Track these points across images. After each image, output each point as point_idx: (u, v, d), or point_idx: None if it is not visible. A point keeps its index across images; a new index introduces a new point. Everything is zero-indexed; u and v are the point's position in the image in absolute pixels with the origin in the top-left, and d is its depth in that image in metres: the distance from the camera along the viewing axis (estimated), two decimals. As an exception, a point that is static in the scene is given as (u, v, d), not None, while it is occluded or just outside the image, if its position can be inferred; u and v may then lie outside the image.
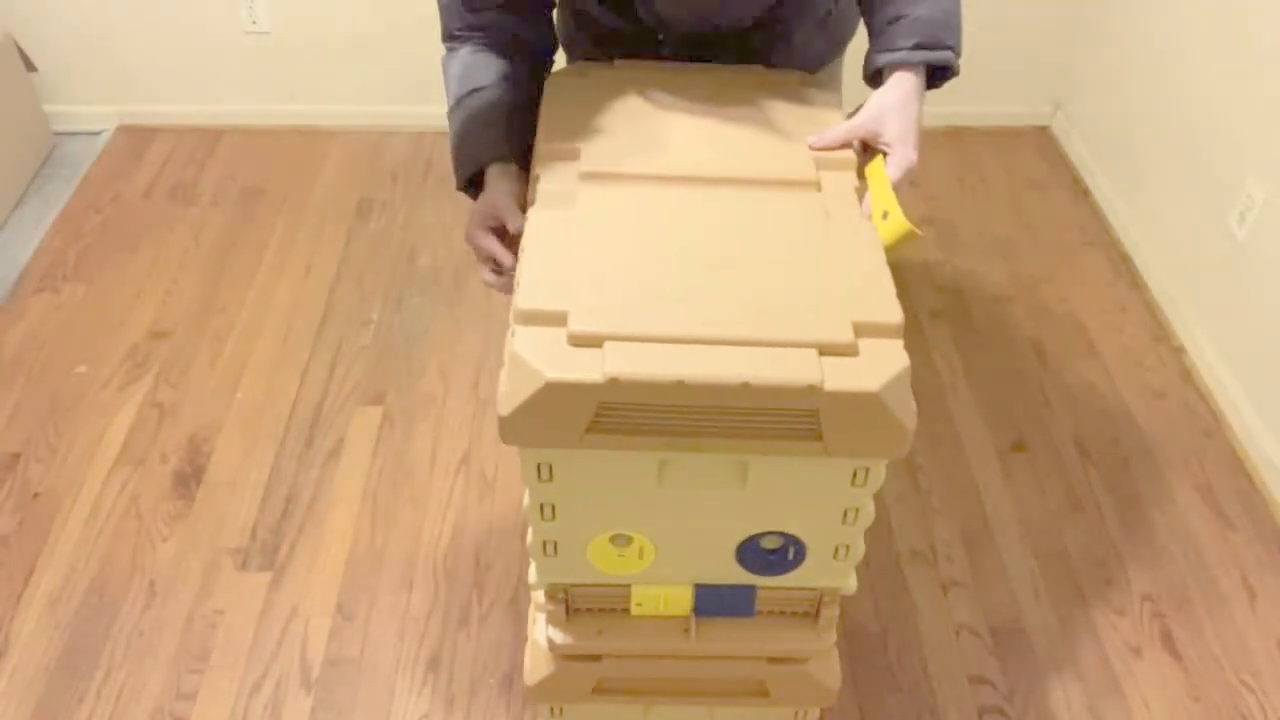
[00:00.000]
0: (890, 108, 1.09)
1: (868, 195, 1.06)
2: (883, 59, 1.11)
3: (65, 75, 2.70)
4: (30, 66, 2.65)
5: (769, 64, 1.29)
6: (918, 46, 1.10)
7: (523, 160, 1.17)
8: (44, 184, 2.59)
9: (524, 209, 1.09)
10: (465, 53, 1.20)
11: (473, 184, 1.19)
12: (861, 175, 1.10)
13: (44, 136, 2.68)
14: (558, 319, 0.89)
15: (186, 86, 2.73)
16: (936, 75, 1.13)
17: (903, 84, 1.10)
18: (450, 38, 1.22)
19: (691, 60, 1.27)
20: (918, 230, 1.01)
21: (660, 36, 1.27)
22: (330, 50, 2.68)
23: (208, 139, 2.74)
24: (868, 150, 1.12)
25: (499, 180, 1.15)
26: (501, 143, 1.16)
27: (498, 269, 1.14)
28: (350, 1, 2.60)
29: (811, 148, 1.12)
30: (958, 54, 1.12)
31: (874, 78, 1.14)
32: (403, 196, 2.58)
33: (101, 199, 2.53)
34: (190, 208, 2.51)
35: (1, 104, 2.50)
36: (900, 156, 1.07)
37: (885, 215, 1.03)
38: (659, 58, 1.28)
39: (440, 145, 2.73)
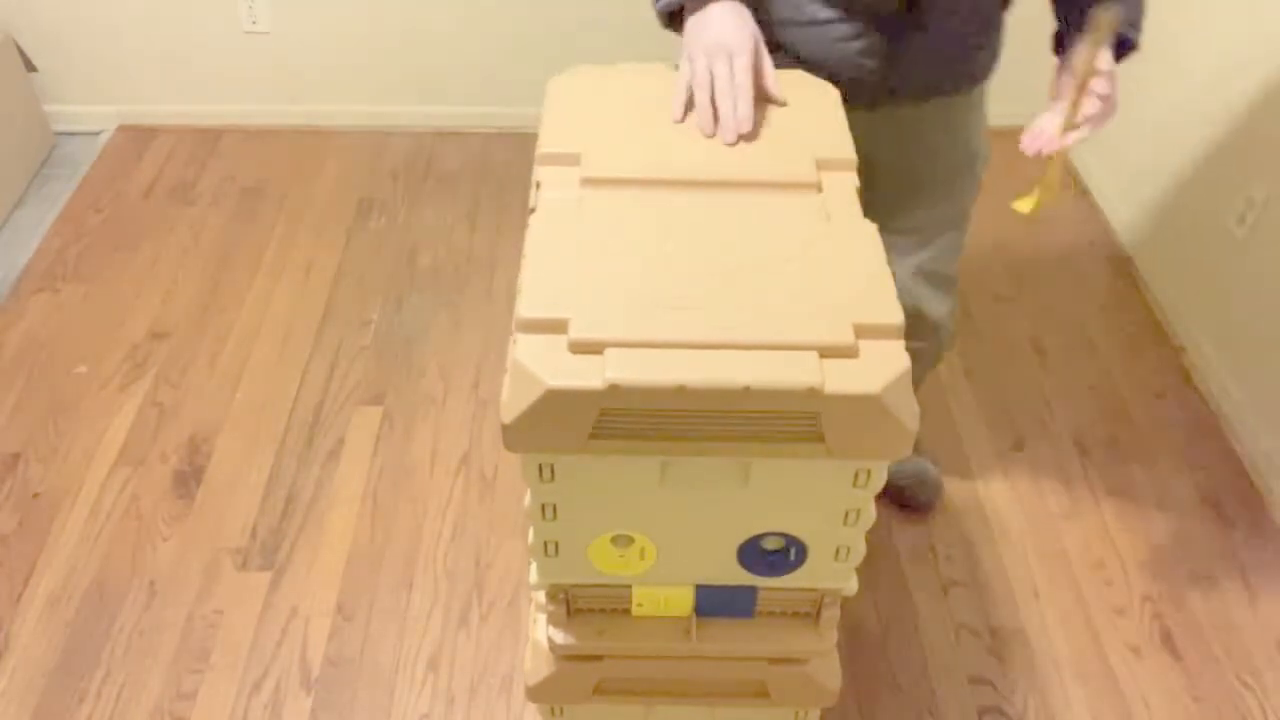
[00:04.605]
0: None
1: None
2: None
3: (65, 75, 2.70)
4: (30, 66, 2.65)
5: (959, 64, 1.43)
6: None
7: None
8: (44, 184, 2.59)
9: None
10: None
11: (672, 19, 1.19)
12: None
13: (44, 136, 2.68)
14: (559, 326, 0.89)
15: (186, 86, 2.73)
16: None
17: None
18: None
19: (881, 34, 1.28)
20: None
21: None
22: (330, 50, 2.68)
23: (208, 139, 2.74)
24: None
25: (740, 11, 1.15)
26: None
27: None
28: (350, 1, 2.60)
29: (1025, 149, 1.27)
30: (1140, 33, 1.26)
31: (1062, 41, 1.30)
32: (403, 196, 2.58)
33: (101, 199, 2.53)
34: (190, 208, 2.51)
35: (1, 104, 2.50)
36: (1110, 108, 1.30)
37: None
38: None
39: (440, 145, 2.73)
